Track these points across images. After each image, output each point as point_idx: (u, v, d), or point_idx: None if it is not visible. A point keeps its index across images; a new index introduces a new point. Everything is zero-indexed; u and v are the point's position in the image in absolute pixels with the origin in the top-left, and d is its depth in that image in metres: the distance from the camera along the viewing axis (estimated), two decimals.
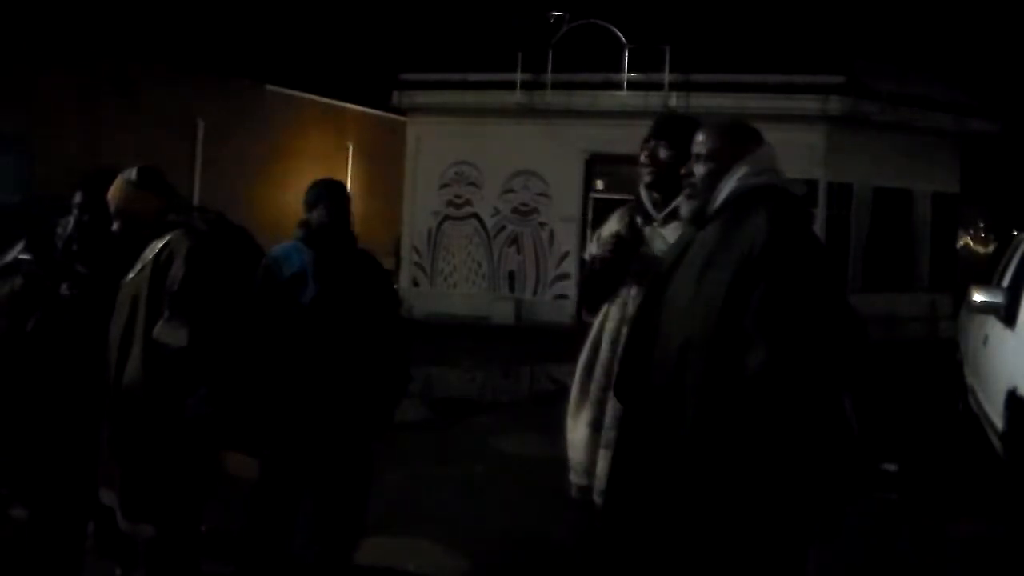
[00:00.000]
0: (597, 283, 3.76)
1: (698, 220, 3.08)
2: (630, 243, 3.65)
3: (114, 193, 4.01)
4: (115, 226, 4.00)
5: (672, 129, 3.71)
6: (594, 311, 3.80)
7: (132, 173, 4.03)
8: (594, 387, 3.68)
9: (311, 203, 4.41)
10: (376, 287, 4.50)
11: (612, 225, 3.82)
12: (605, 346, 3.68)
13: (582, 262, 4.03)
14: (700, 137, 3.11)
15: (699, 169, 3.07)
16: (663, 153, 3.68)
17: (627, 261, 3.63)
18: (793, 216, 2.94)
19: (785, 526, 2.81)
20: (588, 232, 17.86)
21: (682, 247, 3.12)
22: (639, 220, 3.71)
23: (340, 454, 4.33)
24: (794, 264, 2.81)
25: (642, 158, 3.75)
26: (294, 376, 4.20)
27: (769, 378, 2.73)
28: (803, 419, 2.76)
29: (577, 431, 3.73)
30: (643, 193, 3.77)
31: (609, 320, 3.71)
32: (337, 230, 4.38)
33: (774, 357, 2.73)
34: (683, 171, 3.15)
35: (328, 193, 4.45)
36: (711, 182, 3.04)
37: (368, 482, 4.51)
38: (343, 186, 4.60)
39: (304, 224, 4.40)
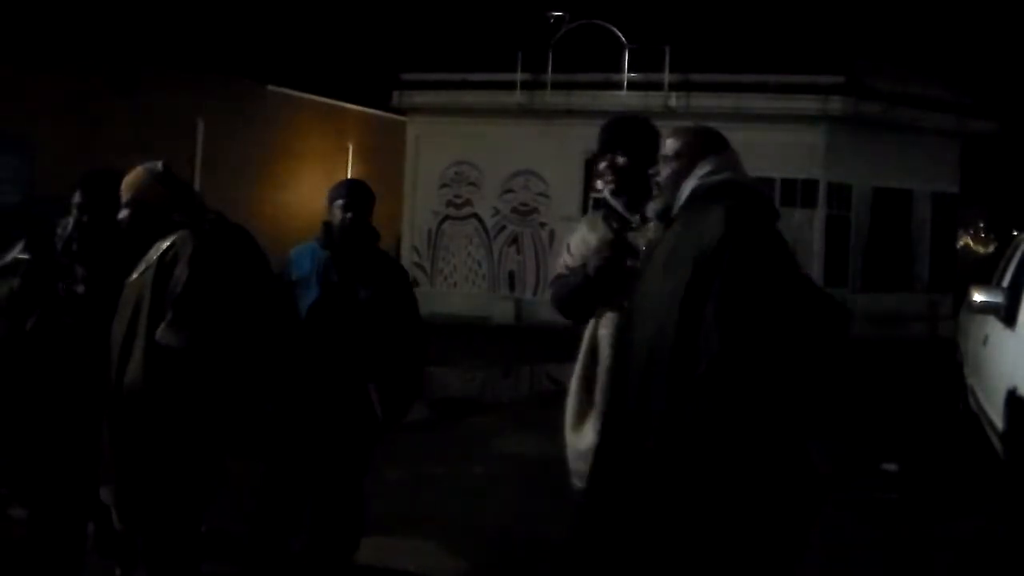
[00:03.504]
0: (590, 292, 3.74)
1: (664, 218, 3.23)
2: (623, 247, 3.68)
3: (133, 182, 3.97)
4: (123, 214, 3.96)
5: (623, 135, 3.83)
6: (582, 321, 3.80)
7: (159, 165, 4.02)
8: (600, 395, 3.67)
9: (329, 202, 4.42)
10: (391, 290, 4.48)
11: (587, 234, 3.83)
12: (607, 352, 3.67)
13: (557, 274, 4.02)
14: (668, 141, 3.26)
15: (664, 170, 3.22)
16: (620, 160, 3.78)
17: (623, 264, 3.65)
18: (749, 210, 3.01)
19: (743, 534, 2.84)
20: None
21: (653, 246, 3.25)
22: (615, 226, 3.74)
23: (339, 457, 4.33)
24: (747, 259, 2.89)
25: (601, 168, 3.84)
26: (295, 379, 4.21)
27: (720, 371, 2.80)
28: (754, 416, 2.82)
29: (585, 439, 3.70)
30: (612, 202, 3.84)
31: (602, 327, 3.71)
32: (353, 231, 4.38)
33: (726, 351, 2.80)
34: (651, 171, 3.33)
35: (345, 193, 4.45)
36: (675, 181, 3.18)
37: (360, 482, 4.51)
38: (363, 185, 4.58)
39: (325, 224, 4.42)
